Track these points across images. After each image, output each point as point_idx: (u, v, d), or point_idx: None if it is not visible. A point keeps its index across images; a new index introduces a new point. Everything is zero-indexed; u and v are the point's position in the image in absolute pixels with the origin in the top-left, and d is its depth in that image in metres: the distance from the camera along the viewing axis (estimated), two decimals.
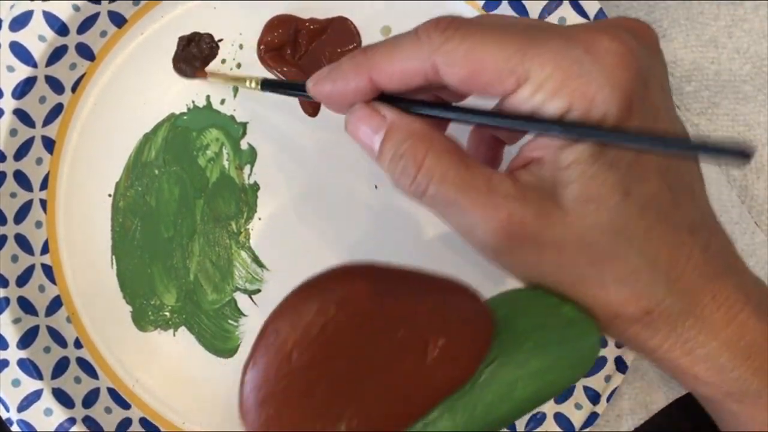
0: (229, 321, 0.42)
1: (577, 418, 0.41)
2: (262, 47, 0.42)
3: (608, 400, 0.41)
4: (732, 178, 0.44)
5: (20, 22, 0.39)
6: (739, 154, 0.22)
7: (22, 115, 0.40)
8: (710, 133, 0.44)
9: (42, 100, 0.40)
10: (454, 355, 0.26)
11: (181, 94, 0.42)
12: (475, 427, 0.26)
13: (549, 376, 0.27)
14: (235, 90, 0.42)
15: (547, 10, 0.40)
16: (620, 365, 0.41)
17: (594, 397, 0.41)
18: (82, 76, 0.41)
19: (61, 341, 0.41)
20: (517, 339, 0.27)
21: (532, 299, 0.28)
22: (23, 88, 0.39)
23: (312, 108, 0.42)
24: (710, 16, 0.44)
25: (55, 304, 0.41)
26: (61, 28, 0.39)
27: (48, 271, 0.41)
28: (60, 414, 0.39)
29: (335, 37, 0.42)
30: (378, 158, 0.28)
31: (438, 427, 0.26)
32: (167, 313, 0.42)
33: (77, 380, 0.40)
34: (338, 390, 0.25)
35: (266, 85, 0.38)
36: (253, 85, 0.38)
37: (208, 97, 0.42)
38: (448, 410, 0.26)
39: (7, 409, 0.39)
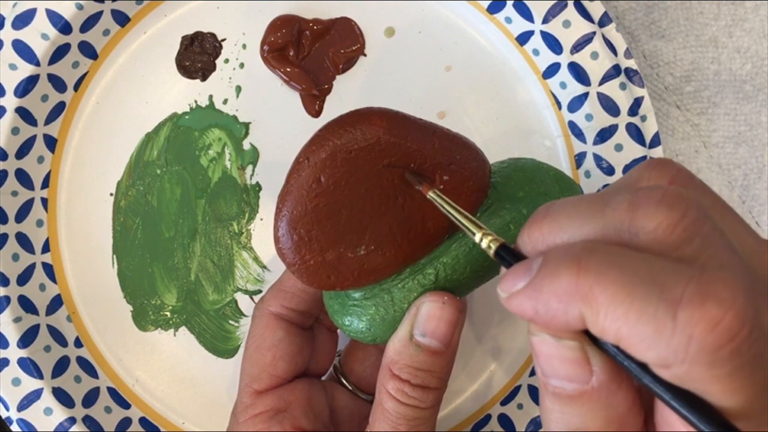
0: (230, 321, 0.42)
1: None
2: (265, 47, 0.42)
3: None
4: (733, 178, 0.44)
5: (23, 20, 0.39)
6: None
7: (24, 113, 0.40)
8: (710, 133, 0.44)
9: (44, 98, 0.40)
10: (456, 193, 0.29)
11: (184, 93, 0.42)
12: (474, 262, 0.30)
13: None
14: (238, 90, 0.42)
15: (551, 13, 0.40)
16: None
17: None
18: (84, 75, 0.41)
19: (61, 340, 0.40)
20: (510, 190, 0.31)
21: (527, 163, 0.33)
22: (25, 86, 0.39)
23: (315, 109, 0.42)
24: (710, 16, 0.44)
25: (56, 303, 0.41)
26: (64, 27, 0.39)
27: (49, 269, 0.41)
28: (60, 413, 0.39)
29: (339, 38, 0.42)
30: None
31: (441, 261, 0.30)
32: (168, 313, 0.42)
33: (77, 379, 0.40)
34: (358, 216, 0.29)
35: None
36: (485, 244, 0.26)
37: (210, 96, 0.42)
38: (450, 247, 0.30)
39: (7, 408, 0.38)
